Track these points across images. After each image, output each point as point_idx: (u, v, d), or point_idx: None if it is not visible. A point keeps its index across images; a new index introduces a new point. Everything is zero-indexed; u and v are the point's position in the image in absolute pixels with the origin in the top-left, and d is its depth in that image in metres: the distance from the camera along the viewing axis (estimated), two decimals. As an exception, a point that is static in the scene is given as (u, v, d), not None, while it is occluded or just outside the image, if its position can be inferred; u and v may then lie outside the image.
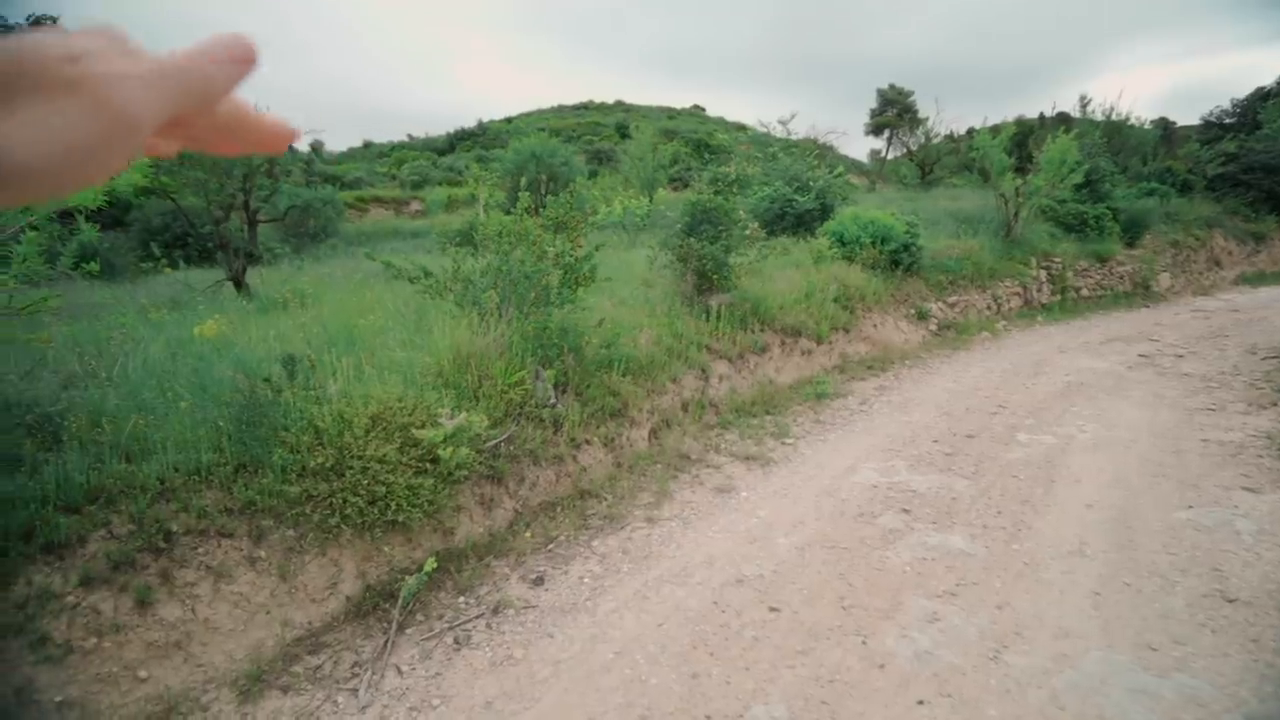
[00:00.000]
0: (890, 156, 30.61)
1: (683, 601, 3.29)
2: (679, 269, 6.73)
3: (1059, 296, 10.57)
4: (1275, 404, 5.66)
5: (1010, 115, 25.48)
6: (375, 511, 3.20)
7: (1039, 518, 4.01)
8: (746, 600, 3.32)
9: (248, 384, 3.47)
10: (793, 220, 10.86)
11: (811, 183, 11.34)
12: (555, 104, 53.46)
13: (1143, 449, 4.92)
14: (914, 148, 26.09)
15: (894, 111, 30.19)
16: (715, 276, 6.63)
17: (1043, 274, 10.60)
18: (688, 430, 5.29)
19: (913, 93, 30.35)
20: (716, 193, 7.24)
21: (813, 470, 4.79)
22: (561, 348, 4.78)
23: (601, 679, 2.78)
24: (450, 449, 3.50)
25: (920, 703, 2.62)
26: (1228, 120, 20.24)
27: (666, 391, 5.44)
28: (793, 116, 17.81)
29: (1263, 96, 19.55)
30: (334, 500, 3.09)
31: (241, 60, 0.33)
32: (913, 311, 8.58)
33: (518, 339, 4.57)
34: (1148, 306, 10.86)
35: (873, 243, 8.73)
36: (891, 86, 30.93)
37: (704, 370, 5.90)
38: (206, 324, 4.48)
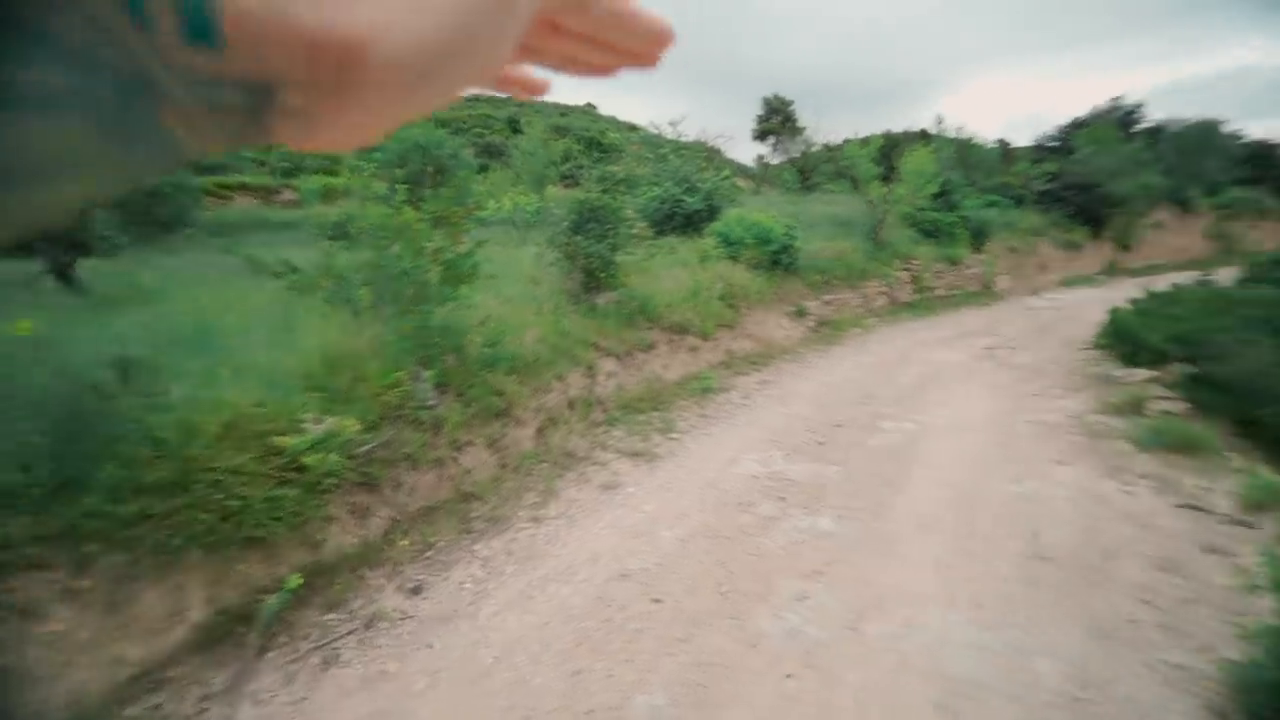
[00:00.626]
0: (775, 162, 32.30)
1: (567, 600, 3.29)
2: (566, 267, 6.71)
3: (920, 295, 11.63)
4: (1083, 389, 6.56)
5: (879, 128, 27.65)
6: (229, 528, 2.94)
7: (897, 497, 4.39)
8: (630, 594, 3.37)
9: (71, 391, 3.05)
10: (682, 220, 11.15)
11: (700, 184, 11.69)
12: (444, 94, 51.41)
13: (983, 433, 5.53)
14: (795, 155, 27.71)
15: (778, 119, 31.86)
16: (602, 275, 6.67)
17: (905, 275, 11.61)
18: (574, 428, 5.30)
19: (793, 102, 32.21)
20: (604, 191, 7.29)
21: (697, 464, 4.96)
22: (443, 347, 4.62)
23: (483, 684, 2.72)
24: (317, 456, 3.28)
25: (788, 676, 2.79)
26: (1051, 144, 23.18)
27: (553, 390, 5.41)
28: (682, 119, 18.21)
29: (1076, 125, 22.56)
30: (176, 518, 2.80)
31: None
32: (793, 309, 9.09)
33: (395, 338, 4.36)
34: (990, 304, 12.21)
35: (755, 243, 9.16)
36: (775, 96, 32.57)
37: (591, 368, 5.93)
38: (20, 323, 3.89)
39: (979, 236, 13.60)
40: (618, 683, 2.73)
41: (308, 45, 0.19)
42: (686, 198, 11.31)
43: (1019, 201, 16.49)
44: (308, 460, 3.25)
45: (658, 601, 3.30)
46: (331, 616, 3.13)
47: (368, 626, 3.06)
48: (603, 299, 6.77)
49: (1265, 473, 4.64)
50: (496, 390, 4.78)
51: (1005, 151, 24.71)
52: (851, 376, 7.23)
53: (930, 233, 13.05)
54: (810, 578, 3.50)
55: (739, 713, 2.59)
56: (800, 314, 9.11)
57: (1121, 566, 3.56)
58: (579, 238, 6.70)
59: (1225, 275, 11.41)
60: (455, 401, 4.52)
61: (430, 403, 4.27)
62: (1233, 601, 3.16)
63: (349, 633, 3.02)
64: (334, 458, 3.35)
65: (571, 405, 5.60)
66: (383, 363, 4.18)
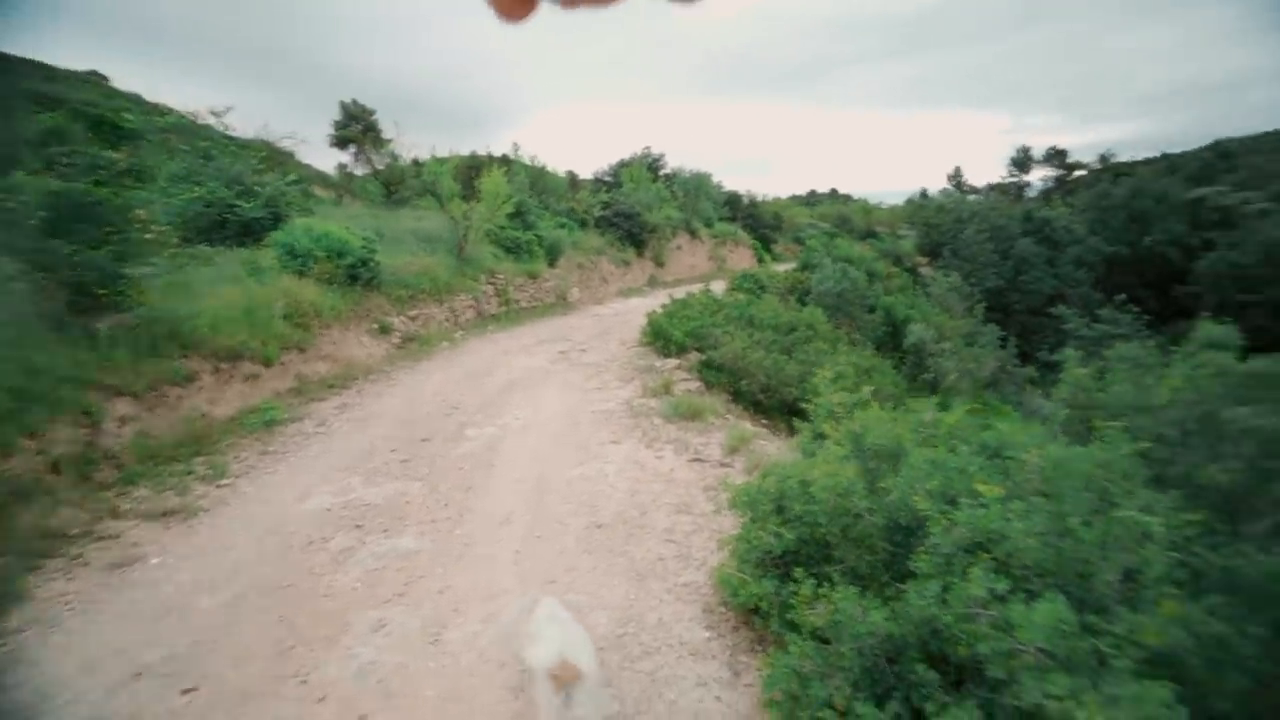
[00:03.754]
0: (360, 173, 30.34)
1: (33, 738, 2.38)
2: (36, 281, 4.93)
3: (505, 307, 12.46)
4: (633, 379, 8.02)
5: (465, 149, 28.56)
6: None
7: (479, 500, 4.56)
8: (151, 694, 2.65)
9: None
10: (237, 229, 9.46)
11: (258, 189, 10.12)
12: None
13: (555, 426, 6.20)
14: (381, 167, 26.54)
15: (359, 128, 29.99)
16: (104, 292, 5.13)
17: (490, 288, 12.29)
18: (63, 498, 3.93)
19: (376, 112, 30.82)
20: (98, 183, 5.62)
21: (256, 509, 4.23)
22: None
23: None
24: None
25: (362, 717, 2.58)
26: (606, 178, 27.88)
27: (18, 452, 3.90)
28: (227, 109, 15.49)
29: (622, 164, 27.72)
30: None
31: None
32: (375, 326, 8.63)
33: None
34: (566, 314, 13.92)
35: (328, 256, 8.38)
36: (354, 101, 30.62)
37: (92, 414, 4.50)
38: None
39: (553, 253, 15.35)
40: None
41: None
42: (241, 203, 9.64)
43: (583, 224, 19.29)
44: None
45: (190, 691, 2.67)
46: None
47: None
48: (107, 323, 5.20)
49: (742, 426, 6.44)
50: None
51: (572, 180, 28.62)
52: (439, 390, 7.25)
53: (511, 249, 14.13)
54: (390, 603, 3.33)
55: (296, 783, 2.27)
56: (385, 330, 8.72)
57: (654, 517, 4.41)
58: (58, 241, 5.00)
59: (718, 286, 15.57)
60: None
61: None
62: (716, 524, 4.24)
63: None
64: None
65: (56, 468, 4.13)
66: None
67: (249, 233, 9.45)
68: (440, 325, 10.20)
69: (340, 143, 28.84)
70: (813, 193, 63.91)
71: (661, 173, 30.25)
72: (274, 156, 16.95)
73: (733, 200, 32.35)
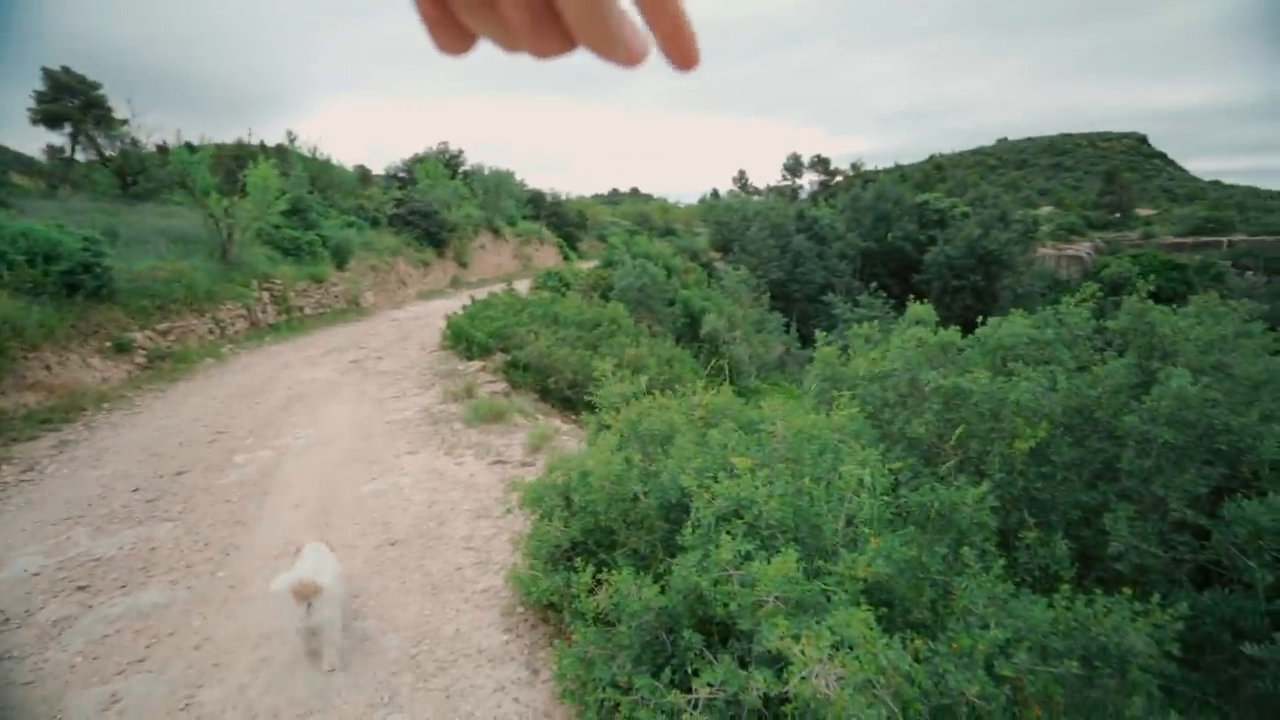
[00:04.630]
0: (81, 159, 24.91)
1: None
2: None
3: (285, 316, 11.12)
4: (433, 385, 7.65)
5: (229, 138, 24.82)
6: None
7: (249, 535, 4.03)
8: None
9: None
10: (-122, 227, 7.25)
11: (-88, 175, 7.85)
12: None
13: (344, 441, 5.70)
14: (112, 152, 22.04)
15: (76, 103, 24.59)
16: None
17: (266, 295, 10.89)
18: None
19: (100, 85, 25.49)
20: None
21: (-81, 589, 3.30)
22: None
23: None
24: None
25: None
26: (400, 173, 26.15)
27: None
28: None
29: (417, 159, 26.21)
30: None
31: None
32: (109, 344, 7.19)
33: None
34: (359, 320, 12.83)
35: (29, 261, 6.78)
36: (66, 70, 25.01)
37: None
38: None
39: (341, 255, 14.03)
40: None
41: None
42: (-116, 193, 7.40)
43: (375, 223, 17.88)
44: None
45: None
46: None
47: None
48: None
49: (544, 424, 6.46)
50: None
51: (364, 175, 26.37)
52: (201, 414, 6.26)
53: (290, 251, 12.65)
54: (125, 673, 2.81)
55: None
56: (123, 349, 7.30)
57: (452, 526, 4.26)
58: None
59: (523, 285, 15.44)
60: None
61: None
62: (515, 525, 4.22)
63: None
64: None
65: None
66: None
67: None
68: (202, 340, 8.80)
69: (48, 120, 23.60)
70: (615, 191, 66.30)
71: (460, 169, 29.21)
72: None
73: (536, 199, 32.32)
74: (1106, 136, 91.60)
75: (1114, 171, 56.10)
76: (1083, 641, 2.15)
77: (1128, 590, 2.23)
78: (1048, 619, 2.24)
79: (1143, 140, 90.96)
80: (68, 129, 24.31)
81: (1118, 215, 48.34)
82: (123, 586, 3.42)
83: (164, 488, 4.62)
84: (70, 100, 24.23)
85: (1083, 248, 37.35)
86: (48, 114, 23.29)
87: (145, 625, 3.13)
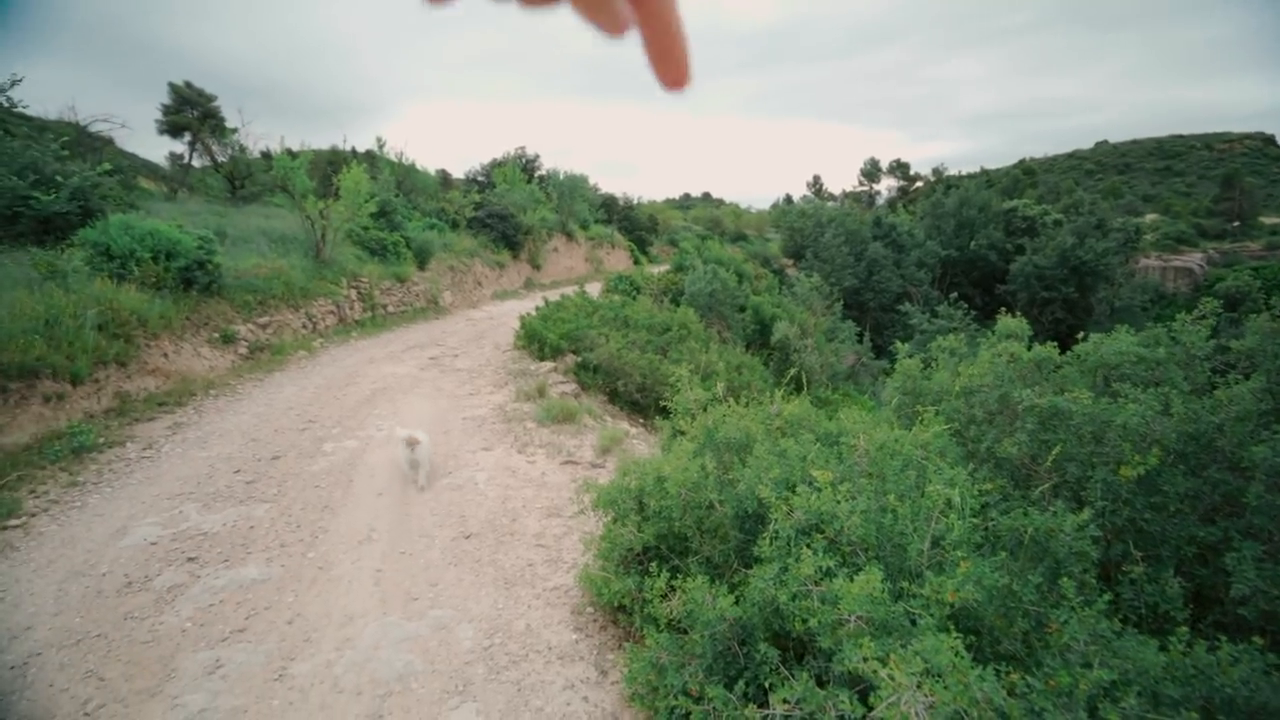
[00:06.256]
0: (198, 165, 27.21)
1: None
2: None
3: (370, 313, 11.73)
4: (506, 384, 7.86)
5: (324, 144, 26.47)
6: None
7: (336, 519, 4.26)
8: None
9: None
10: (33, 224, 8.17)
11: (61, 178, 8.77)
12: None
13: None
14: (223, 159, 23.95)
15: (195, 114, 26.88)
16: None
17: (354, 293, 11.52)
18: None
19: (215, 97, 27.77)
20: None
21: (56, 551, 3.67)
22: None
23: None
24: None
25: (188, 773, 2.33)
26: (479, 177, 27.10)
27: None
28: (14, 81, 13.35)
29: (495, 164, 27.08)
30: None
31: None
32: (217, 335, 7.79)
33: None
34: (438, 318, 13.37)
35: (154, 258, 7.45)
36: (188, 84, 27.40)
37: None
38: None
39: (422, 256, 14.67)
40: None
41: None
42: (38, 194, 8.32)
43: (455, 226, 18.60)
44: None
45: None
46: None
47: None
48: None
49: (614, 426, 6.51)
50: None
51: (445, 179, 27.50)
52: (293, 402, 6.69)
53: (376, 251, 13.34)
54: (228, 641, 3.03)
55: None
56: (228, 340, 7.90)
57: (525, 523, 4.36)
58: None
59: (594, 288, 15.65)
60: None
61: None
62: (587, 526, 4.26)
63: None
64: None
65: None
66: None
67: (49, 230, 8.19)
68: (296, 333, 9.40)
69: (172, 130, 25.86)
70: (686, 196, 66.24)
71: (536, 174, 29.94)
72: (84, 141, 14.83)
73: (608, 203, 32.72)
74: (1226, 137, 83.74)
75: (1233, 175, 51.20)
76: (1203, 691, 1.96)
77: (1259, 640, 2.01)
78: (1160, 663, 2.05)
79: (1269, 140, 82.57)
80: (187, 137, 26.53)
81: (1236, 223, 44.19)
82: (226, 560, 3.69)
83: (261, 471, 4.95)
84: (191, 111, 26.44)
85: (1194, 259, 34.36)
86: (172, 124, 25.52)
87: (245, 598, 3.36)
